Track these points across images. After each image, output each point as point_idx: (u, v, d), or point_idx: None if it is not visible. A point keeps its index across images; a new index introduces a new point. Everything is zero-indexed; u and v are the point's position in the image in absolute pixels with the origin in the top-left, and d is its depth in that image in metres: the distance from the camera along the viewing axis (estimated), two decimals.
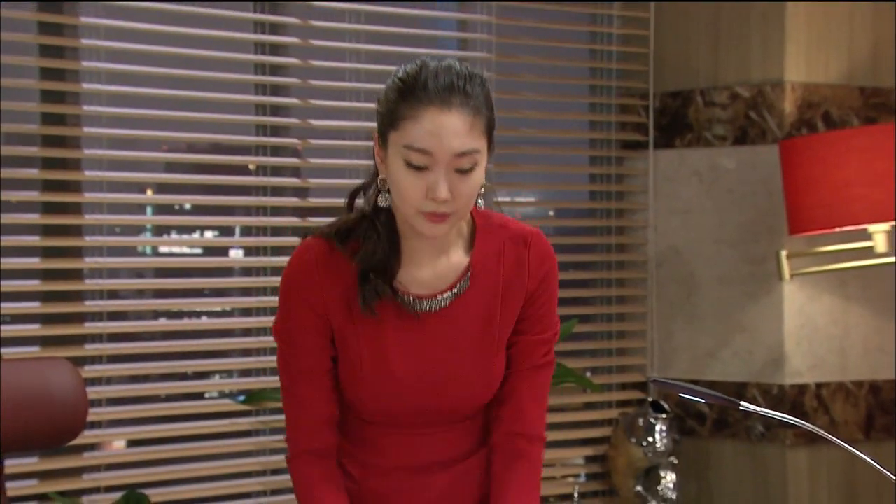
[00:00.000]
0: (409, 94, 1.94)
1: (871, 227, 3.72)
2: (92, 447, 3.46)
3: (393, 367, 2.03)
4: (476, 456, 2.13)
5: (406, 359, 2.03)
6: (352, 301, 2.02)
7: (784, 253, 3.88)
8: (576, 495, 3.73)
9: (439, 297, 2.04)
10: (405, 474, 2.10)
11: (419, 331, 2.04)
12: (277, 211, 3.71)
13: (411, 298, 2.04)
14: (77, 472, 3.40)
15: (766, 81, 4.05)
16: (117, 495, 3.22)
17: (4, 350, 2.84)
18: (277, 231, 3.70)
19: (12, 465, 3.03)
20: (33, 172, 3.40)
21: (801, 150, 3.78)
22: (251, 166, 3.74)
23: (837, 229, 3.73)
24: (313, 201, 3.79)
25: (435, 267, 2.05)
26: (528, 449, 2.11)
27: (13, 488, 2.77)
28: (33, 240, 3.40)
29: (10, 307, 3.36)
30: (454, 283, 2.05)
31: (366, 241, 2.02)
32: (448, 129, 1.92)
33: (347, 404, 2.09)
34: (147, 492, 3.22)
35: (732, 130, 4.12)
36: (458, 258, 2.06)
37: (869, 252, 3.78)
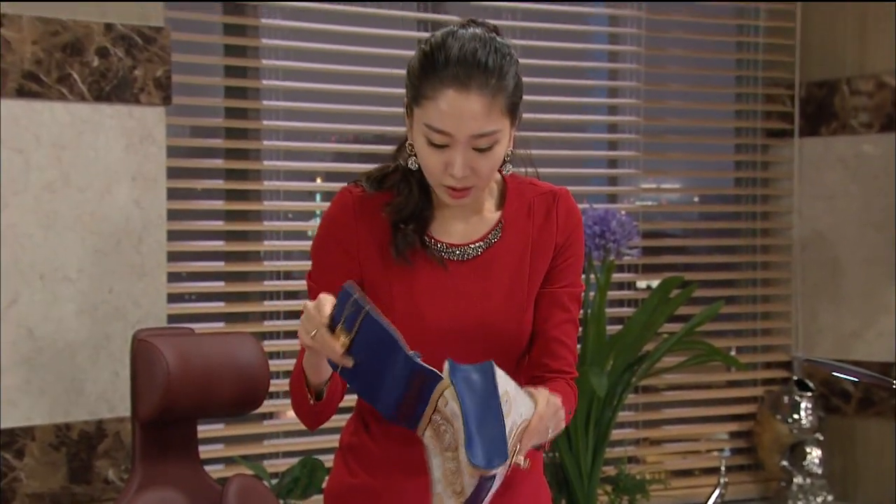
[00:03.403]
0: (430, 71, 1.95)
1: None
2: (271, 416, 3.72)
3: (423, 313, 2.03)
4: None
5: (436, 306, 2.04)
6: (384, 248, 2.05)
7: None
8: (722, 468, 3.85)
9: (471, 246, 2.07)
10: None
11: (450, 279, 2.05)
12: None
13: (443, 246, 2.06)
14: (258, 438, 3.67)
15: None
16: (294, 460, 3.46)
17: (194, 325, 3.11)
18: None
19: (203, 430, 3.29)
20: (218, 163, 3.69)
21: None
22: None
23: None
24: None
25: (467, 220, 2.08)
26: (557, 377, 2.06)
27: (203, 451, 3.03)
28: (217, 224, 3.69)
29: (197, 286, 3.65)
30: (485, 234, 2.08)
31: (398, 193, 2.06)
32: (465, 111, 1.93)
33: None
34: (320, 457, 3.45)
35: (878, 118, 4.20)
36: (489, 213, 2.10)
37: None
